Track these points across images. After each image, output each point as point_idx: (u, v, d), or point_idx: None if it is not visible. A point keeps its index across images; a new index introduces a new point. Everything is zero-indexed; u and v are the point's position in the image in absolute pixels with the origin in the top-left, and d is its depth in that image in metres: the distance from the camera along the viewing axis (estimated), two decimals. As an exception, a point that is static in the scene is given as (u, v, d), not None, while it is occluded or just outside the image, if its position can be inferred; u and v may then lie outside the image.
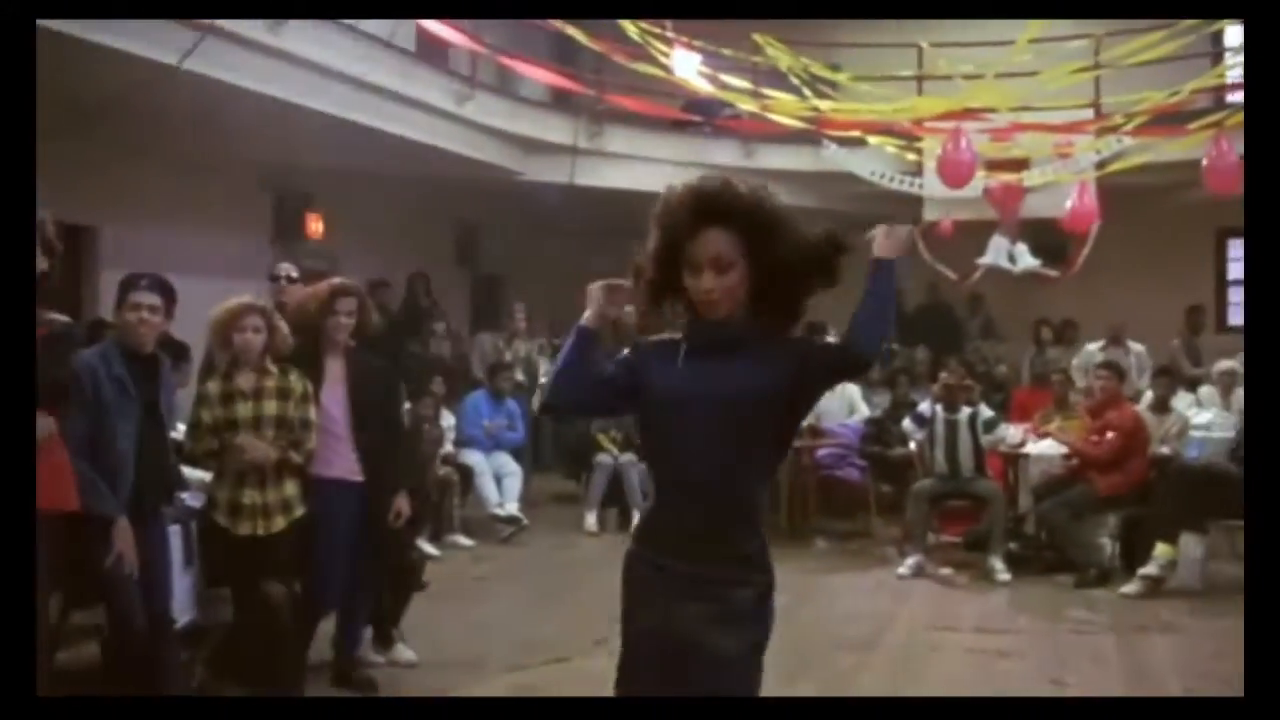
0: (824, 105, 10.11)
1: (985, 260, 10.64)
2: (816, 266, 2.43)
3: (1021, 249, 10.40)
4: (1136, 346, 9.93)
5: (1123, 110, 9.90)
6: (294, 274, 5.82)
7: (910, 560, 7.01)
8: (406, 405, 6.40)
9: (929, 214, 11.07)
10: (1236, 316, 12.36)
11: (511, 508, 8.24)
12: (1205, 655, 5.29)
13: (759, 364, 2.37)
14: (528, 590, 6.86)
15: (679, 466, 2.40)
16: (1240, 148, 7.56)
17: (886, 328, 2.49)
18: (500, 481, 8.37)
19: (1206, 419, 8.23)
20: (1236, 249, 12.65)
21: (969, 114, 9.96)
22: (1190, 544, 6.40)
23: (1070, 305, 11.70)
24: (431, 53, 9.42)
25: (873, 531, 8.37)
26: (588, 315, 2.52)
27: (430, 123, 9.11)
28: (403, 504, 4.75)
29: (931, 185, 11.00)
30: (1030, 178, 10.44)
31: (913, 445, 7.73)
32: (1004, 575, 6.81)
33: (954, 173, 8.93)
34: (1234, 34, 10.30)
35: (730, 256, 2.37)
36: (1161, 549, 6.29)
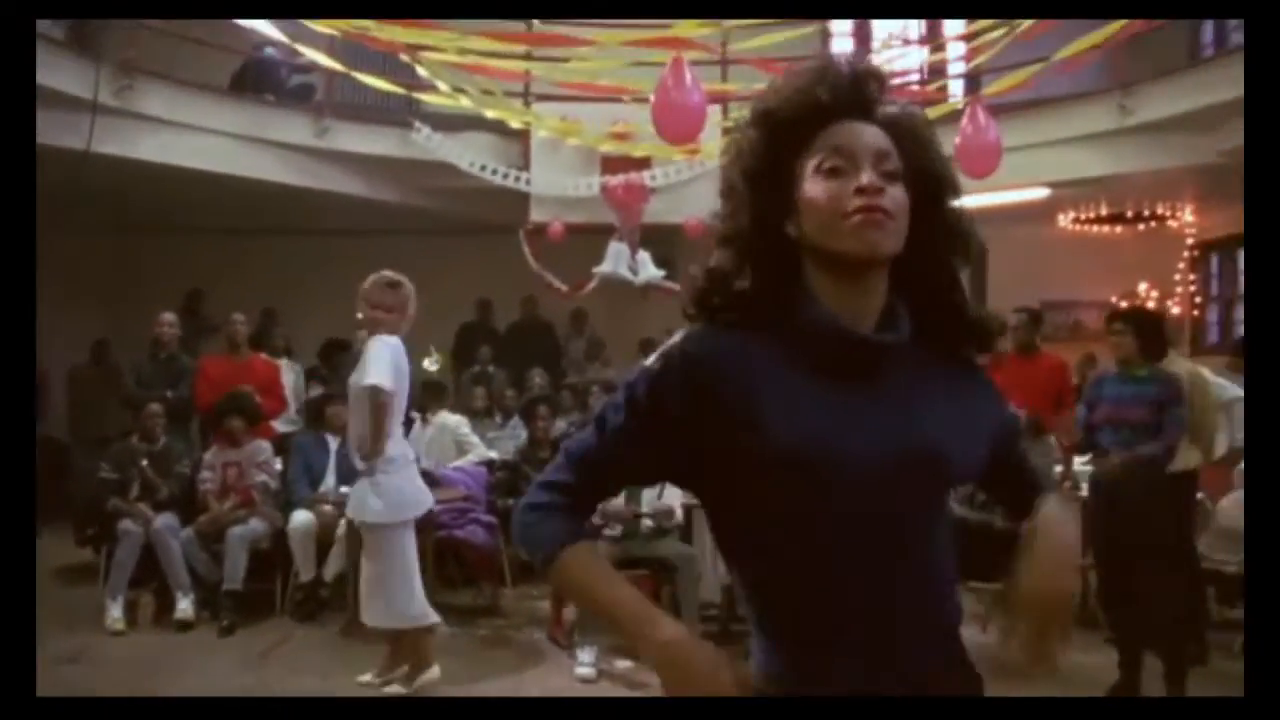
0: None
1: (603, 269, 9.36)
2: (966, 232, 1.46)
3: (644, 258, 9.21)
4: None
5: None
6: None
7: (585, 654, 5.21)
8: None
9: (536, 214, 9.67)
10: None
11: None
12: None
13: (951, 390, 1.44)
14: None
15: (849, 572, 1.36)
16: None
17: None
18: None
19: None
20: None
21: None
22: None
23: (677, 321, 10.65)
24: None
25: (504, 608, 6.55)
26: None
27: None
28: None
29: (540, 181, 9.60)
30: (656, 178, 9.30)
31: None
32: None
33: (675, 122, 6.79)
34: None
35: (895, 163, 1.37)
36: None
